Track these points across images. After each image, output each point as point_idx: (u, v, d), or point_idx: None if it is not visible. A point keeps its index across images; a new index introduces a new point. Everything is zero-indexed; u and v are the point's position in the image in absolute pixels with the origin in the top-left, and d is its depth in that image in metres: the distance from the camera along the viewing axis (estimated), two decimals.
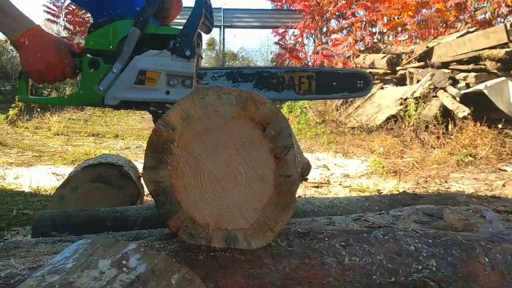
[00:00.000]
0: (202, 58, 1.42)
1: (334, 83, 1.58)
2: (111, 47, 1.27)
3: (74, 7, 11.04)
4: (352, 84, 1.59)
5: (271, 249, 1.00)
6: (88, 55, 1.29)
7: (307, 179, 1.10)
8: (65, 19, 11.35)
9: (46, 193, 2.55)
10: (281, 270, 0.98)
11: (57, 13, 11.23)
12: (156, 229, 1.27)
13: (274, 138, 0.88)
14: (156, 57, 1.25)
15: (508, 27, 4.82)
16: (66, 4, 11.16)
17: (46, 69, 1.27)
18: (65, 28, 11.48)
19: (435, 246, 1.06)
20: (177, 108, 0.87)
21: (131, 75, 1.25)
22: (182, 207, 0.87)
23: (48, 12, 11.12)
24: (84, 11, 11.07)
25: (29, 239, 1.22)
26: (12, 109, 5.74)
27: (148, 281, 0.74)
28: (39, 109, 6.59)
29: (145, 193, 2.07)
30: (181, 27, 1.30)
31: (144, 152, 0.88)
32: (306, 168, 1.11)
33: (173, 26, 1.34)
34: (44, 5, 11.08)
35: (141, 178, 1.90)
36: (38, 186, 2.66)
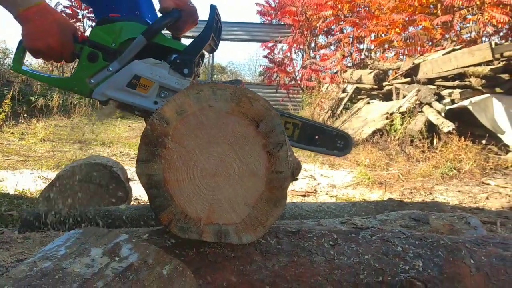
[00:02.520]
0: (198, 76, 1.43)
1: (316, 137, 1.61)
2: (113, 45, 1.27)
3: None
4: (333, 142, 1.64)
5: (261, 246, 1.01)
6: (88, 46, 1.29)
7: (297, 179, 1.12)
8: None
9: (32, 195, 2.52)
10: (270, 268, 0.99)
11: None
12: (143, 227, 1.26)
13: (267, 134, 0.89)
14: (154, 67, 1.25)
15: (493, 45, 4.94)
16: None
17: (45, 50, 1.25)
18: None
19: (422, 247, 1.08)
20: (172, 102, 0.88)
21: (126, 77, 1.25)
22: (174, 201, 0.88)
23: None
24: (73, 20, 11.05)
25: (16, 235, 1.21)
26: None
27: (140, 270, 0.74)
28: (25, 115, 6.52)
29: (133, 197, 2.07)
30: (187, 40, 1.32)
31: (138, 146, 0.89)
32: (296, 168, 1.12)
33: (179, 42, 1.34)
34: None
35: (129, 180, 1.90)
36: (23, 189, 2.63)
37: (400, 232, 1.13)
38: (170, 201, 0.88)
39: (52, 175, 2.96)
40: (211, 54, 13.02)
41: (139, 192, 2.35)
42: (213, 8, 1.32)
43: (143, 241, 1.02)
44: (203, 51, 1.34)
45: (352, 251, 1.05)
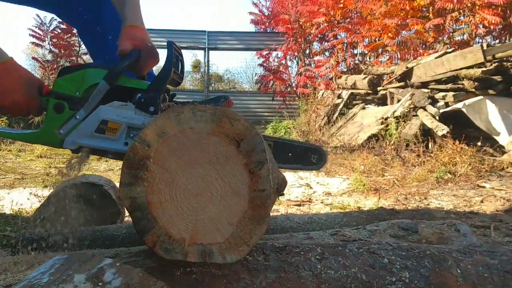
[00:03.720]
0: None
1: (290, 154, 1.63)
2: (77, 93, 1.28)
3: (59, 31, 11.06)
4: (306, 158, 1.66)
5: (248, 263, 1.01)
6: (54, 97, 1.29)
7: (283, 194, 1.13)
8: (50, 42, 11.36)
9: (28, 214, 2.52)
10: (257, 285, 0.99)
11: (42, 36, 11.24)
12: (135, 246, 1.27)
13: (248, 153, 0.90)
14: (119, 109, 1.26)
15: (485, 47, 4.97)
16: (51, 28, 11.19)
17: (12, 106, 1.26)
18: (50, 51, 11.49)
19: (408, 258, 1.09)
20: (153, 125, 0.89)
21: (93, 123, 1.25)
22: (158, 223, 0.89)
23: (33, 36, 11.13)
24: (69, 34, 11.12)
25: (8, 258, 1.22)
26: None
27: None
28: None
29: (126, 213, 2.07)
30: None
31: (121, 169, 0.90)
32: (281, 183, 1.13)
33: (141, 81, 1.34)
34: (29, 28, 11.10)
35: None
36: (19, 208, 2.63)
37: (387, 244, 1.14)
38: (154, 223, 0.88)
39: (48, 192, 2.97)
40: (206, 66, 13.09)
41: None
42: (170, 44, 1.34)
43: (131, 262, 1.03)
44: (168, 86, 1.35)
45: (339, 265, 1.06)
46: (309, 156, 1.67)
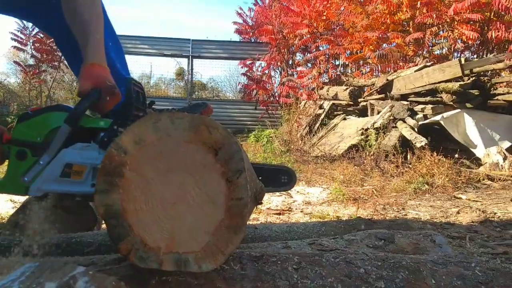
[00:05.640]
0: None
1: (260, 178, 1.63)
2: (39, 139, 1.25)
3: (42, 36, 10.94)
4: (277, 179, 1.67)
5: (224, 272, 1.01)
6: (15, 145, 1.26)
7: (261, 203, 1.13)
8: (32, 47, 11.23)
9: (3, 220, 2.47)
10: None
11: (24, 41, 11.11)
12: (110, 254, 1.25)
13: (226, 162, 0.90)
14: (83, 151, 1.23)
15: (463, 62, 5.09)
16: (34, 32, 11.06)
17: None
18: (32, 56, 11.35)
19: (384, 268, 1.10)
20: (130, 132, 0.88)
21: (57, 168, 1.22)
22: (133, 231, 0.88)
23: (15, 40, 10.99)
24: (51, 40, 10.99)
25: None
26: None
27: None
28: None
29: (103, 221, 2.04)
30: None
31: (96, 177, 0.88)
32: (259, 192, 1.13)
33: (103, 120, 1.31)
34: (11, 32, 10.95)
35: None
36: None
37: (363, 254, 1.15)
38: (129, 231, 0.87)
39: (24, 198, 2.91)
40: (189, 74, 13.07)
41: None
42: (128, 81, 1.33)
43: (106, 270, 1.01)
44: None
45: (316, 274, 1.06)
46: (280, 178, 1.68)
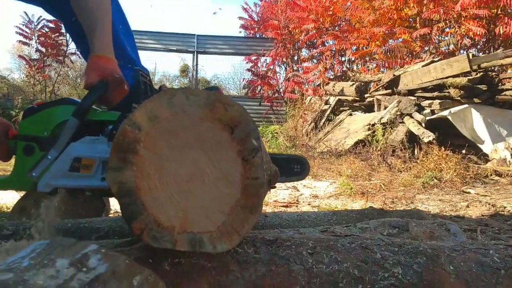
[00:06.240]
0: None
1: None
2: (46, 133, 1.22)
3: (47, 30, 10.94)
4: (289, 169, 1.63)
5: (238, 255, 0.98)
6: (22, 140, 1.23)
7: (275, 187, 1.10)
8: (37, 41, 11.22)
9: (8, 210, 2.45)
10: (247, 278, 0.96)
11: (29, 35, 11.11)
12: (120, 239, 1.23)
13: (242, 140, 0.87)
14: (92, 144, 1.21)
15: (471, 57, 5.04)
16: (39, 27, 11.07)
17: None
18: (37, 50, 11.35)
19: (401, 254, 1.07)
20: (144, 108, 0.85)
21: (66, 163, 1.19)
22: (146, 209, 0.85)
23: (20, 34, 10.99)
24: (57, 34, 10.98)
25: None
26: None
27: (108, 281, 0.71)
28: None
29: (111, 210, 2.03)
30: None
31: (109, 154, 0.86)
32: (273, 175, 1.11)
33: (111, 112, 1.28)
34: (16, 26, 10.95)
35: None
36: (0, 203, 2.57)
37: (379, 239, 1.12)
38: (142, 210, 0.85)
39: None
40: (194, 70, 13.05)
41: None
42: (136, 72, 1.30)
43: (116, 252, 0.99)
44: None
45: (331, 259, 1.03)
46: (292, 167, 1.64)
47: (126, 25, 1.73)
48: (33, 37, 11.17)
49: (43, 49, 11.27)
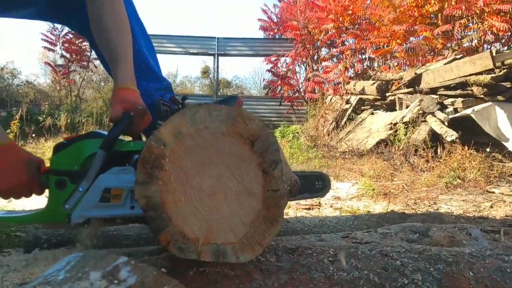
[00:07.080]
0: None
1: None
2: (76, 167, 1.27)
3: (71, 36, 11.20)
4: (312, 185, 1.65)
5: (260, 264, 1.02)
6: (53, 174, 1.28)
7: (295, 196, 1.13)
8: (62, 47, 11.51)
9: None
10: (270, 286, 0.99)
11: (54, 41, 11.39)
12: (147, 246, 1.28)
13: (262, 153, 0.91)
14: (119, 174, 1.24)
15: (494, 54, 4.95)
16: (63, 33, 11.34)
17: (13, 188, 1.25)
18: (62, 56, 11.63)
19: (421, 260, 1.09)
20: (169, 124, 0.90)
21: (96, 194, 1.23)
22: (172, 222, 0.89)
23: (45, 41, 11.29)
24: (81, 40, 11.23)
25: (21, 257, 1.23)
26: None
27: None
28: (33, 135, 6.60)
29: None
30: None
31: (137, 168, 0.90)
32: (294, 185, 1.14)
33: (136, 142, 1.33)
34: (42, 33, 11.25)
35: None
36: (31, 210, 2.65)
37: (399, 246, 1.14)
38: (168, 222, 0.89)
39: None
40: (215, 72, 13.15)
41: None
42: (158, 102, 1.34)
43: (144, 262, 1.03)
44: None
45: (352, 267, 1.06)
46: (314, 184, 1.67)
47: (146, 36, 1.77)
48: (58, 43, 11.45)
49: (68, 55, 11.55)
